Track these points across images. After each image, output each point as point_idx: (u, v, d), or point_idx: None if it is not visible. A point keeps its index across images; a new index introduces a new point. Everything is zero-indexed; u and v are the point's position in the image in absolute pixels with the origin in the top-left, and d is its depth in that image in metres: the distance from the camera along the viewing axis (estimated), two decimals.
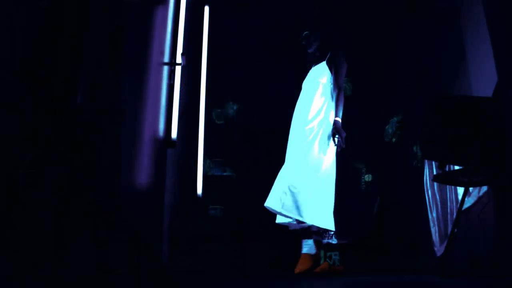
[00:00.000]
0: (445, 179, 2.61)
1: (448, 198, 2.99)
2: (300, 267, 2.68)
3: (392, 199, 3.86)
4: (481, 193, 2.58)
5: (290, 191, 2.69)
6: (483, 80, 2.69)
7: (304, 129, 2.83)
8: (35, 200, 1.10)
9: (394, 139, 3.90)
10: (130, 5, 1.70)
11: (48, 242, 1.07)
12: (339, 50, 3.02)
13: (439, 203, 3.08)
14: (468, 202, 2.60)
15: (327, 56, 2.99)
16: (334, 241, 2.71)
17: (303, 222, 2.70)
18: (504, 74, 1.93)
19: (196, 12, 3.34)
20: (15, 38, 1.25)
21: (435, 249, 3.03)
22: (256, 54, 4.39)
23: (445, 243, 2.66)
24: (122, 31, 1.62)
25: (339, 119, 2.81)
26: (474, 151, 2.16)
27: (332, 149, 2.82)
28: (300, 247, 2.78)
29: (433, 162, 3.10)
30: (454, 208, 2.88)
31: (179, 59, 2.61)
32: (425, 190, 3.22)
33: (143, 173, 2.10)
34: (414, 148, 3.77)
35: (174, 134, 2.55)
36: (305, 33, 3.07)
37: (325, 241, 2.71)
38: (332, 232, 2.72)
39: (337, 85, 2.89)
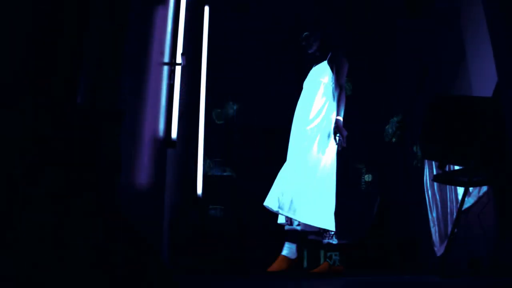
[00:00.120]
0: (445, 179, 2.61)
1: (448, 198, 2.99)
2: (275, 266, 2.67)
3: (392, 199, 3.86)
4: (481, 193, 2.58)
5: (288, 190, 2.69)
6: (483, 80, 2.69)
7: (305, 129, 2.83)
8: (35, 200, 1.10)
9: (394, 139, 3.91)
10: (130, 5, 1.70)
11: (48, 242, 1.07)
12: (340, 50, 3.02)
13: (439, 203, 3.08)
14: (468, 202, 2.60)
15: (328, 56, 2.99)
16: (334, 241, 2.71)
17: (308, 225, 2.69)
18: (504, 74, 1.93)
19: (196, 12, 3.34)
20: (15, 38, 1.25)
21: (435, 249, 3.03)
22: (256, 54, 4.39)
23: (445, 243, 2.66)
24: (122, 31, 1.62)
25: (340, 118, 2.81)
26: (474, 151, 2.16)
27: (332, 149, 2.82)
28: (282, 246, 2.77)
29: (433, 162, 3.10)
30: (454, 208, 2.88)
31: (179, 59, 2.61)
32: (425, 190, 3.22)
33: (143, 173, 2.10)
34: (414, 148, 3.77)
35: (174, 134, 2.55)
36: (305, 34, 3.07)
37: (326, 241, 2.71)
38: (332, 232, 2.71)
39: (339, 84, 2.89)
